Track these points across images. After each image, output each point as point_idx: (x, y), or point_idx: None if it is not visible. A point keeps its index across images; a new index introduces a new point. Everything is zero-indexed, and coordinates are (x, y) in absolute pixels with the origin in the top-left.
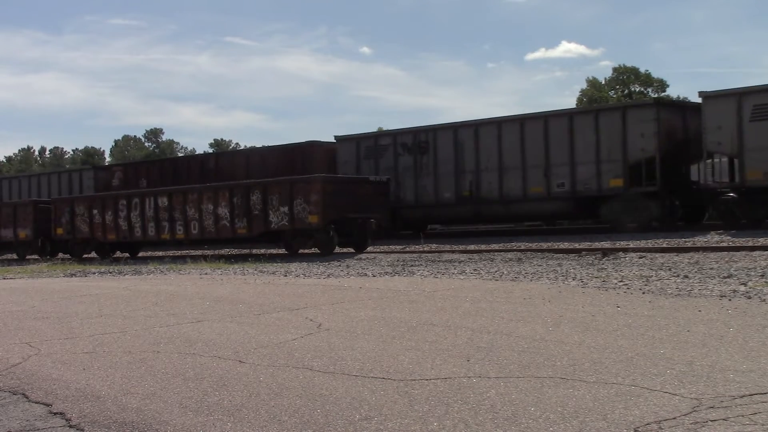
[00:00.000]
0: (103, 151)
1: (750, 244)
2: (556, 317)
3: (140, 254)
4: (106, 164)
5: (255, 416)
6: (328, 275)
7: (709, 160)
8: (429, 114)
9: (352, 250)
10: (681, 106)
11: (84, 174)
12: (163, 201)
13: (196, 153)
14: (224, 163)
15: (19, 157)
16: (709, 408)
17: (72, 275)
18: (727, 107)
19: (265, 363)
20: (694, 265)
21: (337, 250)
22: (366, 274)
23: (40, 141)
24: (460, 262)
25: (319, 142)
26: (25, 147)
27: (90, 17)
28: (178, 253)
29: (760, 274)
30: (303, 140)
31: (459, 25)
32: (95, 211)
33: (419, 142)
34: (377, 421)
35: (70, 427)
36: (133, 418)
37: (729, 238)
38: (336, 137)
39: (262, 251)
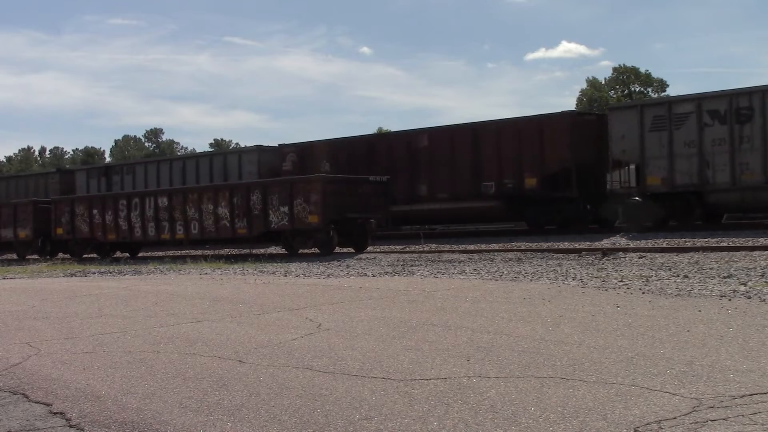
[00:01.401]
0: (103, 151)
1: (750, 244)
2: (556, 317)
3: (140, 254)
4: (276, 145)
5: (255, 416)
6: (328, 275)
7: None
8: (429, 114)
9: (352, 250)
10: None
11: (244, 156)
12: (163, 201)
13: (404, 130)
14: (439, 142)
15: (19, 157)
16: (709, 408)
17: (72, 275)
18: None
19: (265, 363)
20: (694, 265)
21: (337, 250)
22: (366, 274)
23: (40, 141)
24: (460, 262)
25: (576, 112)
26: (25, 147)
27: (90, 17)
28: (178, 253)
29: (760, 274)
30: (506, 115)
31: (459, 25)
32: (95, 211)
33: (737, 109)
34: (377, 421)
35: (70, 426)
36: (133, 418)
37: (729, 237)
38: (610, 106)
39: (262, 251)
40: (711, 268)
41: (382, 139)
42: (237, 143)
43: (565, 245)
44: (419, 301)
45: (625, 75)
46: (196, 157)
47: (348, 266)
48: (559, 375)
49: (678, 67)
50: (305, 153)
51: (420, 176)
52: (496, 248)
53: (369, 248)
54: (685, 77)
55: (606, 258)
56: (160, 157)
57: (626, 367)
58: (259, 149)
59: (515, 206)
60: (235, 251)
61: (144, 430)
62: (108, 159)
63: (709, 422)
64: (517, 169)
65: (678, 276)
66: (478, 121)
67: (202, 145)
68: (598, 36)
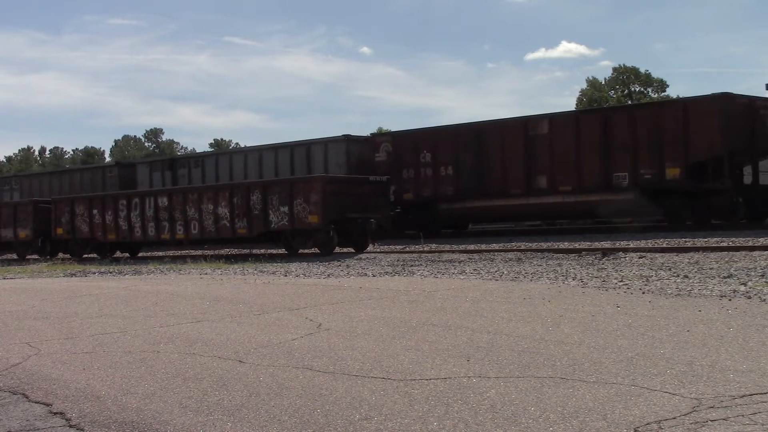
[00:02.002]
0: (103, 151)
1: (750, 244)
2: (556, 317)
3: (140, 254)
4: (369, 134)
5: (255, 416)
6: (328, 275)
7: None
8: (429, 114)
9: (352, 250)
10: None
11: (331, 147)
12: (163, 201)
13: (520, 116)
14: (562, 129)
15: (19, 157)
16: (709, 408)
17: (72, 275)
18: None
19: (265, 363)
20: (694, 265)
21: (337, 250)
22: (366, 274)
23: (40, 141)
24: (460, 262)
25: (728, 94)
26: (25, 147)
27: (90, 17)
28: (178, 253)
29: (760, 274)
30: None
31: (459, 25)
32: (95, 211)
33: None
34: (377, 421)
35: (70, 426)
36: (133, 418)
37: (729, 237)
38: None
39: (262, 251)
40: (711, 268)
41: (493, 126)
42: (237, 143)
43: (565, 245)
44: (419, 301)
45: (625, 75)
46: (274, 148)
47: (348, 266)
48: (559, 375)
49: (678, 67)
50: (402, 142)
51: (538, 166)
52: (496, 248)
53: (369, 248)
54: (685, 77)
55: (606, 258)
56: (233, 148)
57: (626, 367)
58: (348, 139)
59: (653, 199)
60: (235, 251)
61: (144, 430)
62: (108, 159)
63: (709, 422)
64: (656, 157)
65: (678, 276)
66: (608, 106)
67: (202, 145)
68: (598, 36)
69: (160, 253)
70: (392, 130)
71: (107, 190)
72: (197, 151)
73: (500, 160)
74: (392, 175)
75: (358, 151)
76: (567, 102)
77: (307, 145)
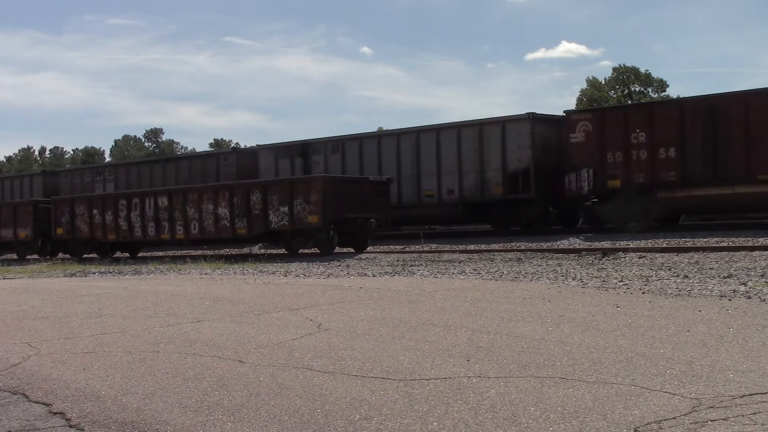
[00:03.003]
0: (103, 151)
1: (750, 244)
2: (556, 317)
3: (140, 254)
4: (563, 111)
5: (255, 416)
6: (328, 275)
7: None
8: (429, 114)
9: (352, 250)
10: None
11: (510, 127)
12: (163, 201)
13: (757, 87)
14: None
15: (19, 157)
16: (709, 408)
17: (72, 275)
18: None
19: (265, 363)
20: (694, 265)
21: (337, 250)
22: (366, 274)
23: (40, 141)
24: (460, 262)
25: None
26: (25, 147)
27: (89, 17)
28: (178, 253)
29: (760, 274)
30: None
31: (459, 25)
32: (95, 211)
33: None
34: (377, 421)
35: (70, 426)
36: (133, 417)
37: (729, 237)
38: None
39: (262, 251)
40: (711, 268)
41: (734, 98)
42: (237, 143)
43: (565, 245)
44: (419, 301)
45: (625, 75)
46: (436, 129)
47: (348, 266)
48: (559, 375)
49: (678, 67)
50: (606, 121)
51: None
52: (496, 248)
53: (369, 248)
54: (685, 77)
55: (606, 258)
56: (381, 131)
57: (626, 367)
58: (533, 117)
59: None
60: (235, 251)
61: (144, 430)
62: (108, 159)
63: (709, 422)
64: None
65: (678, 276)
66: None
67: (202, 145)
68: (598, 36)
69: (160, 253)
70: (594, 107)
71: (222, 180)
72: (330, 137)
73: (743, 139)
74: (592, 158)
75: (545, 131)
76: (567, 102)
77: (479, 125)
